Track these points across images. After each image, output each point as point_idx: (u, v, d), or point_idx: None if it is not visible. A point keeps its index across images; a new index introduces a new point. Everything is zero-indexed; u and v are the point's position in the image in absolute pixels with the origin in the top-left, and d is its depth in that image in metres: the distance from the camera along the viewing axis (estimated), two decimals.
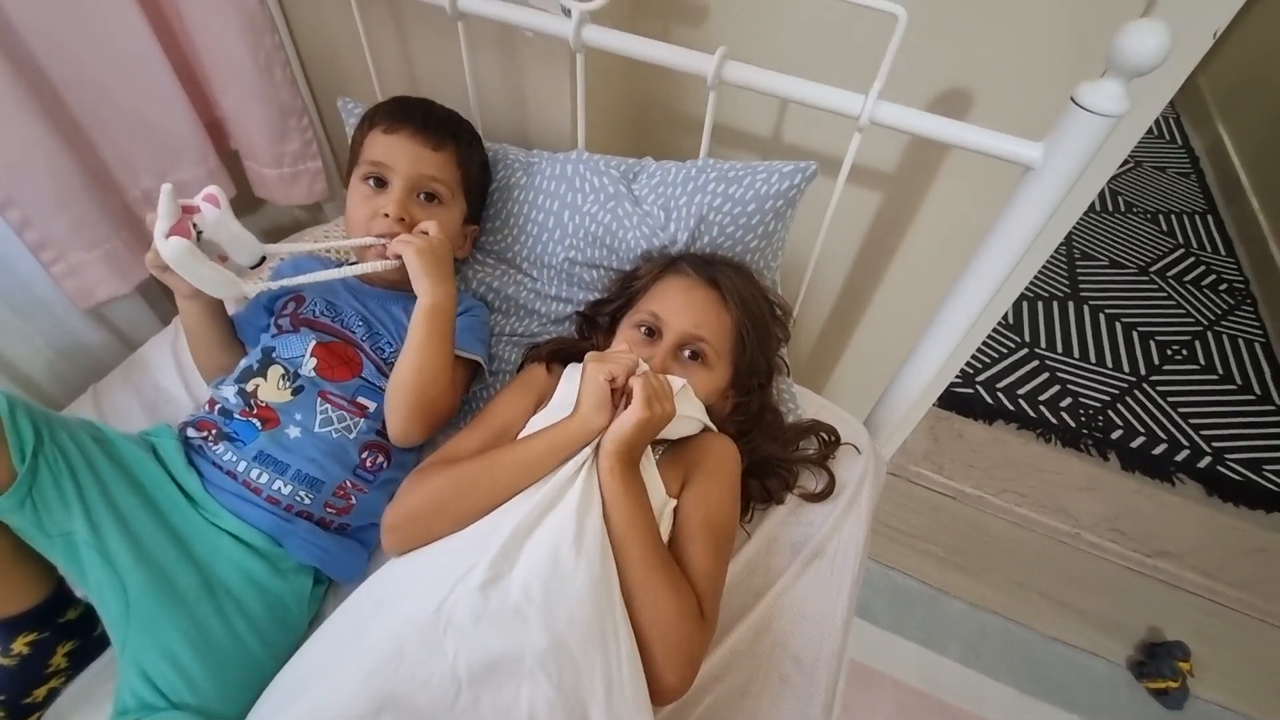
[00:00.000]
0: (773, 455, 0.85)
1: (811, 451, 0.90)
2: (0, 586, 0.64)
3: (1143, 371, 1.93)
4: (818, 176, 0.82)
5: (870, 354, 1.21)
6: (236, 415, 0.75)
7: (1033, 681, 1.29)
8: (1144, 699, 1.29)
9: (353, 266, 0.77)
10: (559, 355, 0.84)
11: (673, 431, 0.73)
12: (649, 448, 0.71)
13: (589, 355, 0.70)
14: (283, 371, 0.77)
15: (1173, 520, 1.57)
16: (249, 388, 0.76)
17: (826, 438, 0.90)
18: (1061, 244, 2.25)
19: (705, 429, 0.78)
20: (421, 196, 0.82)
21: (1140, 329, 2.05)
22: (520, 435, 0.73)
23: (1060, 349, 1.96)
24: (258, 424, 0.74)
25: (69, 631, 0.67)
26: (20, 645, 0.63)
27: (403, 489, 0.70)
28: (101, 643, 0.70)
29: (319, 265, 0.86)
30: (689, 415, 0.75)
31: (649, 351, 0.75)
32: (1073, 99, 0.62)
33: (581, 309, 0.92)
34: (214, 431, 0.74)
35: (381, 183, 0.81)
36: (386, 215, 0.79)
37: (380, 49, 1.00)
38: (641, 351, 0.76)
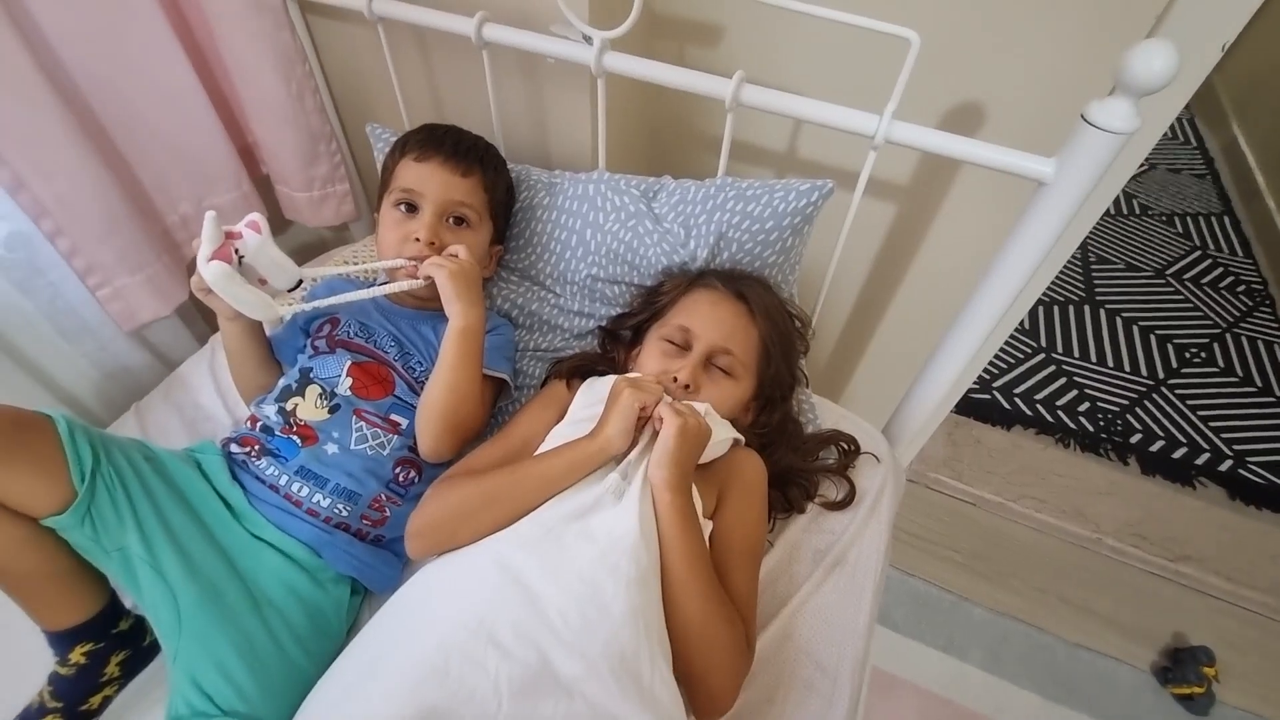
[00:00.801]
0: (794, 465, 0.87)
1: (831, 461, 0.92)
2: (60, 600, 0.67)
3: (1161, 375, 1.92)
4: (835, 193, 0.84)
5: (887, 363, 1.22)
6: (278, 432, 0.78)
7: (1056, 688, 1.28)
8: (1170, 705, 1.29)
9: (383, 286, 0.80)
10: (579, 371, 0.86)
11: (709, 454, 0.75)
12: None
13: (621, 380, 0.72)
14: (320, 391, 0.80)
15: (1195, 524, 1.56)
16: (289, 406, 0.80)
17: (846, 447, 0.92)
18: (1077, 248, 2.26)
19: (733, 443, 0.81)
20: (450, 220, 0.85)
21: (1158, 332, 2.04)
22: (540, 448, 0.75)
23: (1077, 353, 1.96)
24: (298, 441, 0.77)
25: (122, 642, 0.70)
26: (78, 655, 0.66)
27: (427, 497, 0.73)
28: (150, 652, 0.73)
29: (351, 287, 0.90)
30: (722, 437, 0.78)
31: (678, 364, 0.78)
32: (1083, 116, 0.64)
33: (604, 324, 0.95)
34: (257, 447, 0.78)
35: (413, 208, 0.84)
36: (418, 239, 0.82)
37: (407, 77, 1.03)
38: (671, 364, 0.78)
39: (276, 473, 0.76)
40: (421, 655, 0.57)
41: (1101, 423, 1.77)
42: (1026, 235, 0.73)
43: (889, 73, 0.72)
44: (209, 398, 0.97)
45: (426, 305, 0.88)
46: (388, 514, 0.79)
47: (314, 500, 0.75)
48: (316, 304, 0.78)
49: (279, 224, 1.20)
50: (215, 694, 0.62)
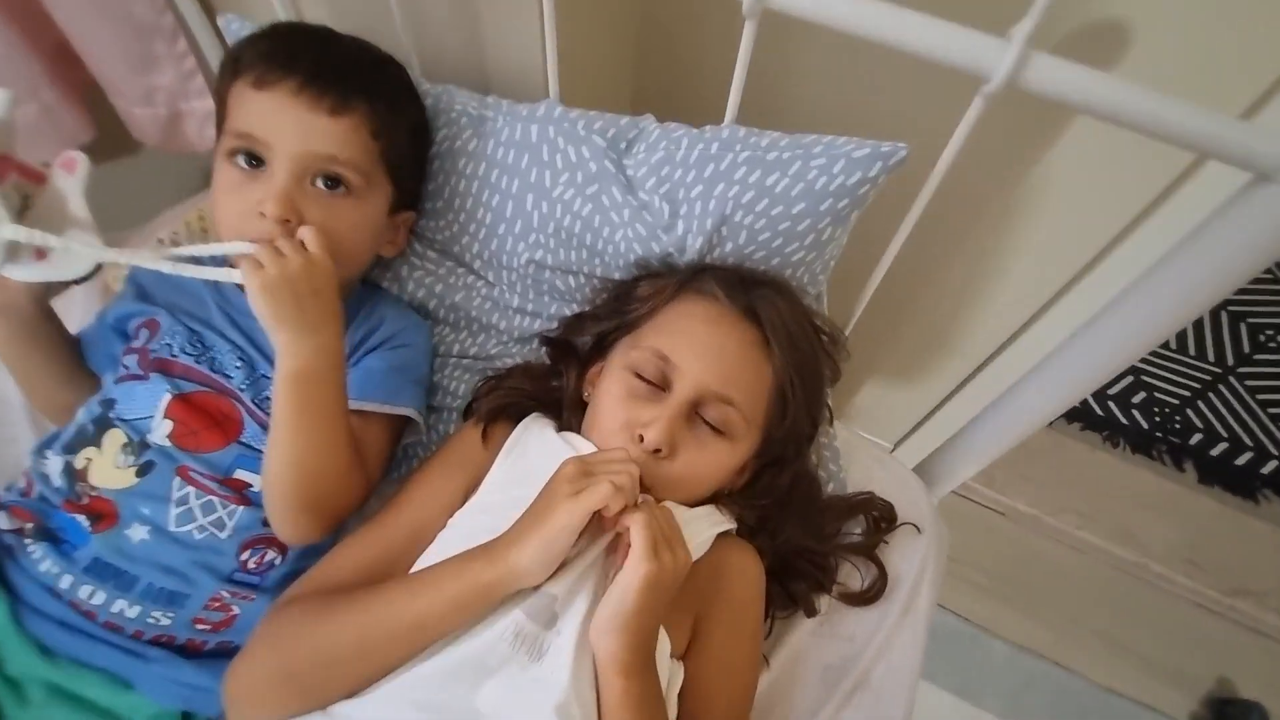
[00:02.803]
0: (804, 547, 0.62)
1: (857, 535, 0.67)
2: None
3: (1230, 361, 1.65)
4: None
5: (932, 373, 0.95)
6: (59, 505, 0.53)
7: None
8: None
9: (209, 269, 0.51)
10: (508, 409, 0.60)
11: None
12: None
13: (569, 464, 0.45)
14: (125, 440, 0.54)
15: (1256, 550, 1.35)
16: (78, 463, 0.54)
17: (877, 515, 0.67)
18: None
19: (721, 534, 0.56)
20: (319, 182, 0.55)
21: (1231, 308, 1.75)
22: (430, 552, 0.50)
23: None
24: (85, 523, 0.52)
25: None
26: None
27: (252, 638, 0.48)
28: None
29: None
30: (703, 537, 0.53)
31: (649, 412, 0.52)
32: None
33: (551, 331, 0.67)
34: (30, 525, 0.53)
35: (257, 161, 0.54)
36: (263, 214, 0.52)
37: None
38: (637, 411, 0.52)
39: (56, 571, 0.52)
40: None
41: (1158, 419, 1.53)
42: (1220, 253, 0.45)
43: None
44: (9, 388, 0.71)
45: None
46: (235, 611, 0.56)
47: (113, 610, 0.52)
48: (111, 255, 0.49)
49: (132, 144, 0.88)
50: None
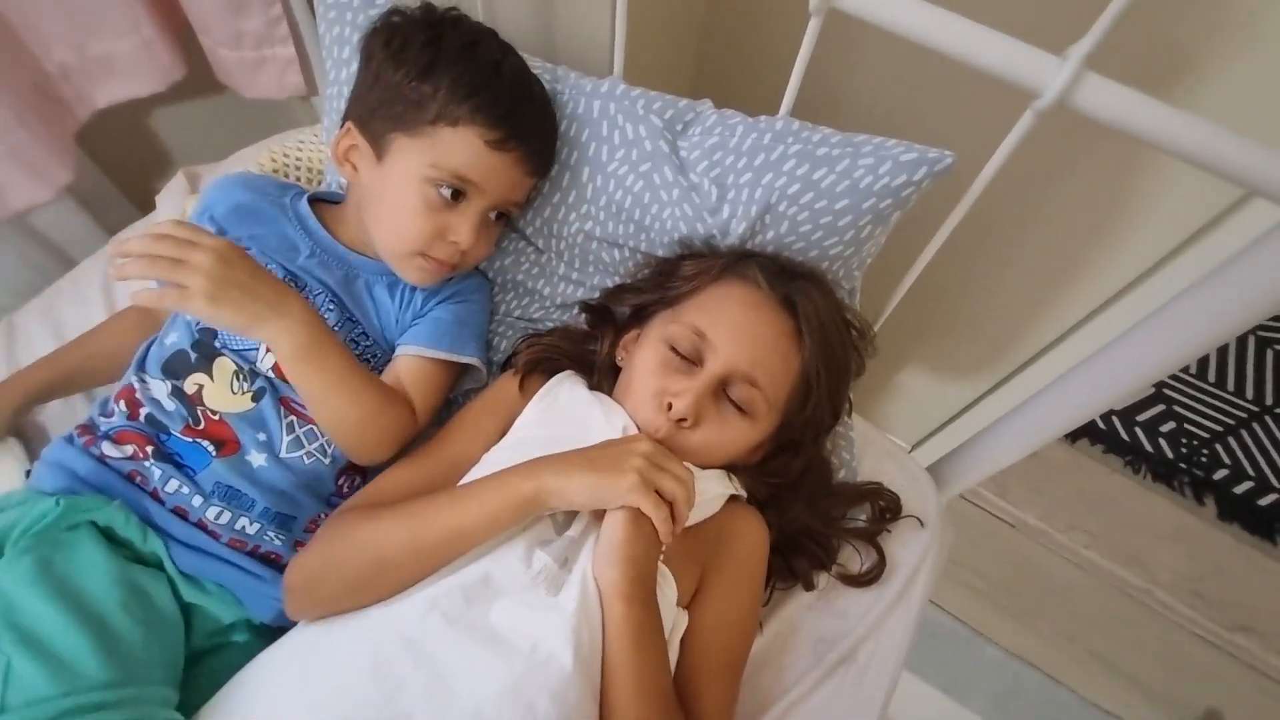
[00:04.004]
0: (810, 527, 0.66)
1: (862, 520, 0.70)
2: None
3: (1269, 401, 1.62)
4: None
5: (948, 370, 0.97)
6: (176, 431, 0.57)
7: None
8: None
9: None
10: (544, 364, 0.64)
11: (692, 518, 0.54)
12: None
13: (640, 445, 0.50)
14: (235, 368, 0.58)
15: (1266, 589, 1.34)
16: (188, 388, 0.58)
17: (883, 505, 0.70)
18: None
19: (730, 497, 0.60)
20: (493, 214, 0.63)
21: (1278, 346, 1.71)
22: (469, 475, 0.55)
23: None
24: (210, 448, 0.57)
25: None
26: None
27: (313, 540, 0.54)
28: None
29: (272, 208, 0.66)
30: (714, 494, 0.57)
31: (680, 384, 0.55)
32: None
33: (593, 297, 0.71)
34: (150, 449, 0.56)
35: (458, 195, 0.60)
36: (454, 241, 0.61)
37: None
38: (670, 381, 0.56)
39: (186, 491, 0.56)
40: None
41: (1184, 450, 1.51)
42: (1257, 283, 0.46)
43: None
44: (101, 316, 0.78)
45: (381, 255, 0.65)
46: None
47: (238, 527, 0.57)
48: None
49: (212, 87, 0.94)
50: None
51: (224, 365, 0.58)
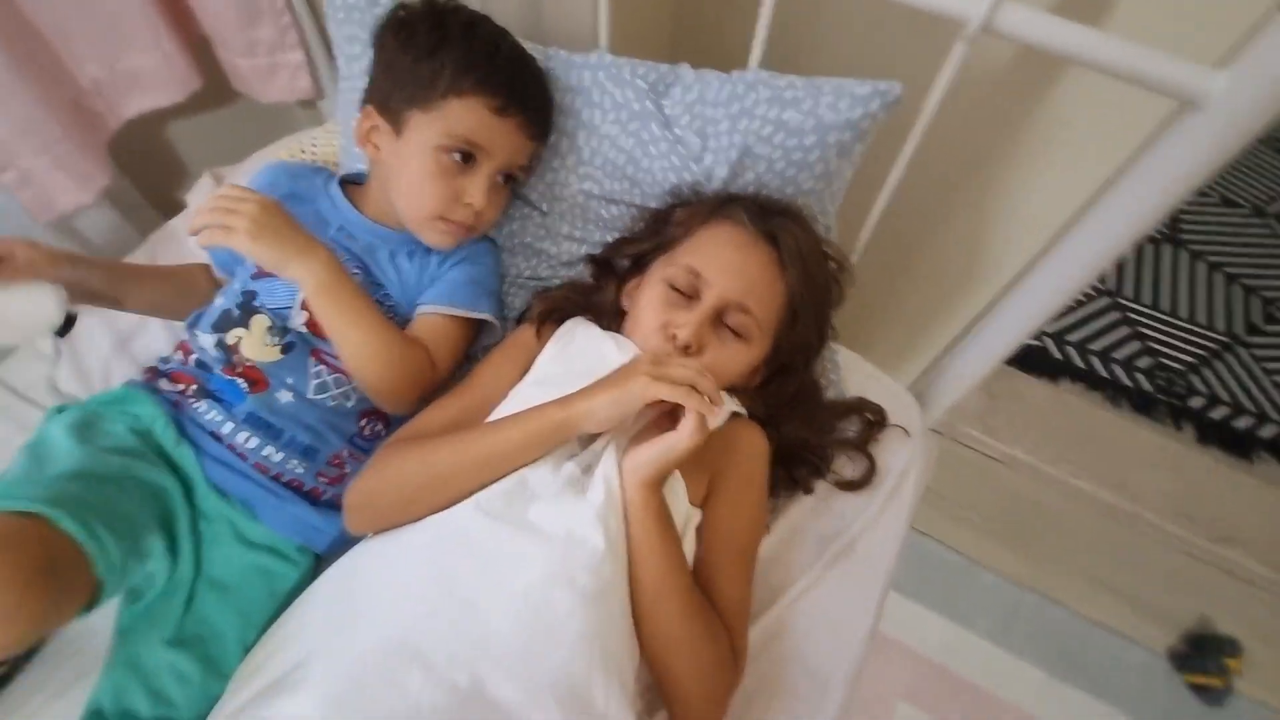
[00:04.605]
0: (805, 440, 0.73)
1: (851, 433, 0.78)
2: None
3: (1239, 331, 1.70)
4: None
5: (932, 309, 1.04)
6: (218, 371, 0.66)
7: (1063, 664, 1.21)
8: (1181, 692, 1.21)
9: None
10: (556, 313, 0.72)
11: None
12: None
13: (645, 359, 0.55)
14: (269, 324, 0.67)
15: (1246, 504, 1.42)
16: (229, 339, 0.66)
17: (871, 418, 0.78)
18: None
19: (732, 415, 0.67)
20: (501, 177, 0.71)
21: (1245, 280, 1.79)
22: (498, 411, 0.63)
23: (1148, 300, 1.74)
24: (243, 385, 0.65)
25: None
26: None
27: (368, 465, 0.61)
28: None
29: (309, 190, 0.74)
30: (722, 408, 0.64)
31: (682, 316, 0.63)
32: None
33: (595, 252, 0.79)
34: (194, 388, 0.66)
35: (468, 159, 0.67)
36: (470, 204, 0.68)
37: None
38: (673, 314, 0.63)
39: (220, 419, 0.64)
40: (340, 671, 0.49)
41: (1161, 382, 1.59)
42: (1157, 175, 0.54)
43: None
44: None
45: (405, 226, 0.73)
46: (347, 470, 0.69)
47: (263, 454, 0.65)
48: None
49: (228, 95, 1.02)
50: (149, 695, 0.56)
51: (260, 321, 0.67)
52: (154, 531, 0.57)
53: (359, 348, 0.64)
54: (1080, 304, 1.72)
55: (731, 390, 0.69)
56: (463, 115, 0.66)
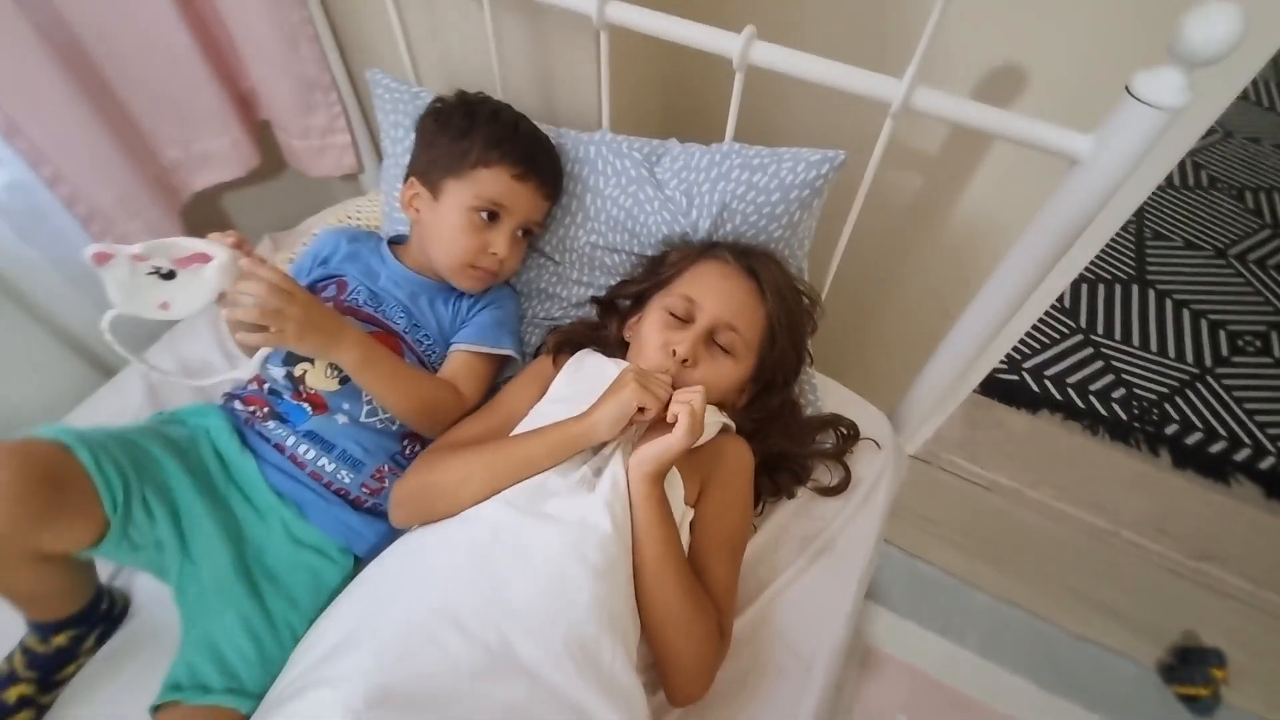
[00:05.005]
0: (787, 450, 0.84)
1: (828, 445, 0.88)
2: (55, 602, 0.67)
3: (1208, 363, 1.81)
4: (849, 163, 0.78)
5: (905, 343, 1.17)
6: (287, 397, 0.78)
7: (1054, 677, 1.26)
8: (1171, 704, 1.26)
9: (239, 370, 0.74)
10: (568, 345, 0.84)
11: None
12: None
13: (630, 371, 0.66)
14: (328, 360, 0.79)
15: (1223, 522, 1.49)
16: (296, 372, 0.78)
17: (845, 432, 0.89)
18: (1131, 222, 2.12)
19: (722, 428, 0.78)
20: (520, 232, 0.85)
21: (1211, 316, 1.91)
22: (520, 426, 0.74)
23: (1119, 336, 1.86)
24: (308, 409, 0.77)
25: (103, 620, 0.71)
26: (60, 639, 0.67)
27: (411, 468, 0.73)
28: (120, 618, 0.74)
29: (364, 249, 0.88)
30: (710, 422, 0.75)
31: (679, 336, 0.75)
32: (1127, 89, 0.57)
33: (600, 294, 0.92)
34: (265, 409, 0.78)
35: (493, 217, 0.82)
36: (494, 253, 0.82)
37: (412, 24, 0.98)
38: (671, 335, 0.75)
39: (284, 434, 0.76)
40: (388, 634, 0.58)
41: (1136, 411, 1.69)
42: (1056, 217, 0.67)
43: (917, 34, 0.64)
44: (209, 350, 0.98)
45: (440, 277, 0.87)
46: (386, 484, 0.79)
47: (319, 464, 0.76)
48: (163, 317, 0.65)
49: (279, 168, 1.18)
50: (219, 669, 0.64)
51: (322, 359, 0.78)
52: (169, 491, 0.67)
53: (395, 401, 0.76)
54: (1055, 341, 1.83)
55: (721, 407, 0.81)
56: (489, 181, 0.80)
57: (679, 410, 0.64)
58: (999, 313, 0.78)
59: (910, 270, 1.06)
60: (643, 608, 0.64)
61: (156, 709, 0.62)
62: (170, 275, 0.64)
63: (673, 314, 0.77)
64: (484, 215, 0.81)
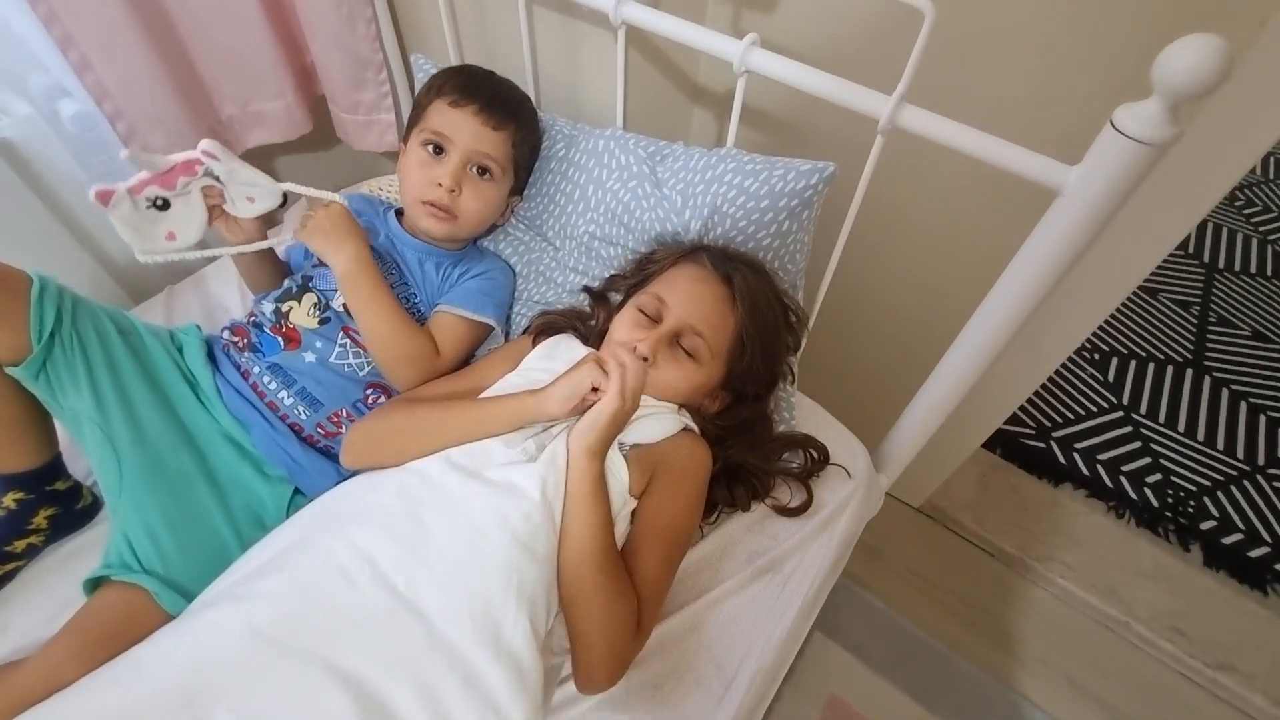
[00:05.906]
0: (747, 463, 0.82)
1: (795, 465, 0.86)
2: (6, 444, 0.72)
3: (1261, 461, 1.66)
4: (837, 178, 0.78)
5: (893, 375, 1.13)
6: (267, 329, 0.83)
7: None
8: None
9: (236, 247, 0.81)
10: (551, 328, 0.86)
11: (645, 434, 0.73)
12: (616, 441, 0.71)
13: (593, 354, 0.68)
14: (316, 300, 0.84)
15: (1253, 633, 1.35)
16: (284, 308, 0.84)
17: (814, 455, 0.86)
18: (1195, 304, 2.00)
19: (684, 429, 0.77)
20: (474, 169, 0.86)
21: (1270, 413, 1.77)
22: (486, 394, 0.76)
23: (1163, 419, 1.74)
24: (281, 342, 0.82)
25: (54, 499, 0.74)
26: (9, 500, 0.71)
27: (370, 414, 0.75)
28: (83, 517, 0.79)
29: (375, 215, 0.94)
30: (670, 423, 0.75)
31: (644, 334, 0.75)
32: (1111, 122, 0.55)
33: (592, 285, 0.94)
34: (245, 339, 0.83)
35: (440, 150, 0.85)
36: (440, 184, 0.84)
37: (461, 13, 1.05)
38: (637, 333, 0.76)
39: (251, 363, 0.81)
40: (309, 565, 0.61)
41: (1170, 500, 1.57)
42: (1036, 251, 0.64)
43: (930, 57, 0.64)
44: (231, 294, 1.05)
45: (436, 243, 0.90)
46: (343, 430, 0.82)
47: (278, 395, 0.80)
48: (178, 253, 0.76)
49: (330, 141, 1.26)
50: (140, 552, 0.68)
51: (309, 298, 0.84)
52: (107, 374, 0.72)
53: (373, 327, 0.79)
54: (1091, 414, 1.73)
55: (688, 410, 0.80)
56: (431, 115, 0.85)
57: (610, 369, 0.64)
58: (983, 348, 0.75)
59: (905, 300, 1.04)
60: (561, 582, 0.64)
61: (92, 586, 0.67)
62: (165, 206, 0.70)
63: (643, 312, 0.78)
64: (430, 149, 0.85)
